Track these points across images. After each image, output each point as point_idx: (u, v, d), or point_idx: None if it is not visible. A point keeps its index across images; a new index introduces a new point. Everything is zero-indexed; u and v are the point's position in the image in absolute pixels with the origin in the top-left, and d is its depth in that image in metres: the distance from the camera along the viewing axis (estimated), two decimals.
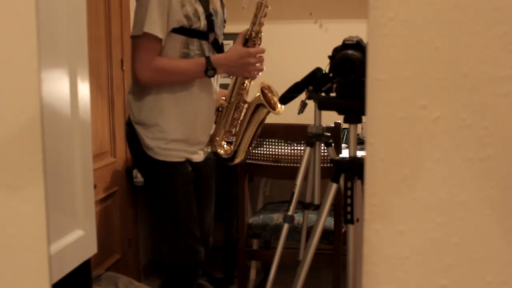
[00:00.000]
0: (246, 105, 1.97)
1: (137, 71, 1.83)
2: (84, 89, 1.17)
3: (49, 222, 0.72)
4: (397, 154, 0.59)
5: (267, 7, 1.86)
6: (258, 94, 1.94)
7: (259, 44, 1.90)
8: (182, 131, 1.88)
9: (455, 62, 0.57)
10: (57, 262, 1.06)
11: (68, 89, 1.12)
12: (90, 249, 1.24)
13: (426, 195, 0.59)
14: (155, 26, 1.75)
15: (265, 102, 1.92)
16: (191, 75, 1.85)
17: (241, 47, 1.86)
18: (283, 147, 2.55)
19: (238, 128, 1.98)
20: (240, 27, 1.98)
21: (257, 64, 1.87)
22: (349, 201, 1.57)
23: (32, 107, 0.70)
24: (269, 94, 1.99)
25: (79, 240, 1.16)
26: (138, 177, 2.72)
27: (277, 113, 1.97)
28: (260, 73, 1.91)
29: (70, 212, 1.15)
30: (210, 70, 1.82)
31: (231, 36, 2.28)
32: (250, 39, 1.87)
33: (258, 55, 1.86)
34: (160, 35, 1.77)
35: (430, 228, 0.59)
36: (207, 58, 1.83)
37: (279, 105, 1.97)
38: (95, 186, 1.40)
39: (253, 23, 1.87)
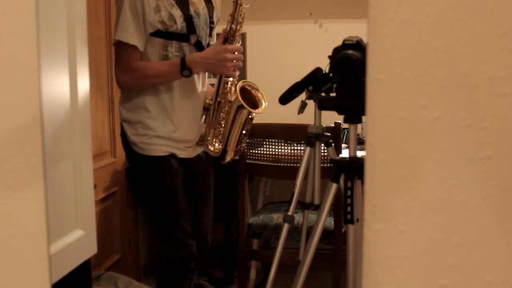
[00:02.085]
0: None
1: (116, 76, 1.93)
2: (84, 89, 1.17)
3: (49, 222, 0.72)
4: (397, 154, 0.59)
5: (241, 5, 1.87)
6: (236, 95, 1.90)
7: (238, 43, 1.91)
8: (164, 131, 1.92)
9: (455, 62, 0.57)
10: (57, 262, 1.07)
11: (68, 89, 1.12)
12: (90, 249, 1.24)
13: (426, 195, 0.59)
14: (127, 34, 1.82)
15: (243, 103, 1.90)
16: (166, 76, 1.88)
17: (218, 45, 1.87)
18: (283, 147, 2.55)
19: (224, 127, 1.98)
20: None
21: (234, 61, 1.87)
22: (349, 201, 1.57)
23: (32, 107, 0.70)
24: (252, 91, 1.97)
25: (79, 240, 1.16)
26: None
27: (259, 112, 1.94)
28: (237, 72, 1.92)
29: (70, 212, 1.15)
30: (185, 70, 1.84)
31: None
32: (228, 38, 1.88)
33: (235, 52, 1.87)
34: (131, 41, 1.82)
35: (430, 228, 0.59)
36: (182, 59, 1.85)
37: (263, 102, 1.96)
38: (95, 186, 1.39)
39: (231, 22, 1.88)
